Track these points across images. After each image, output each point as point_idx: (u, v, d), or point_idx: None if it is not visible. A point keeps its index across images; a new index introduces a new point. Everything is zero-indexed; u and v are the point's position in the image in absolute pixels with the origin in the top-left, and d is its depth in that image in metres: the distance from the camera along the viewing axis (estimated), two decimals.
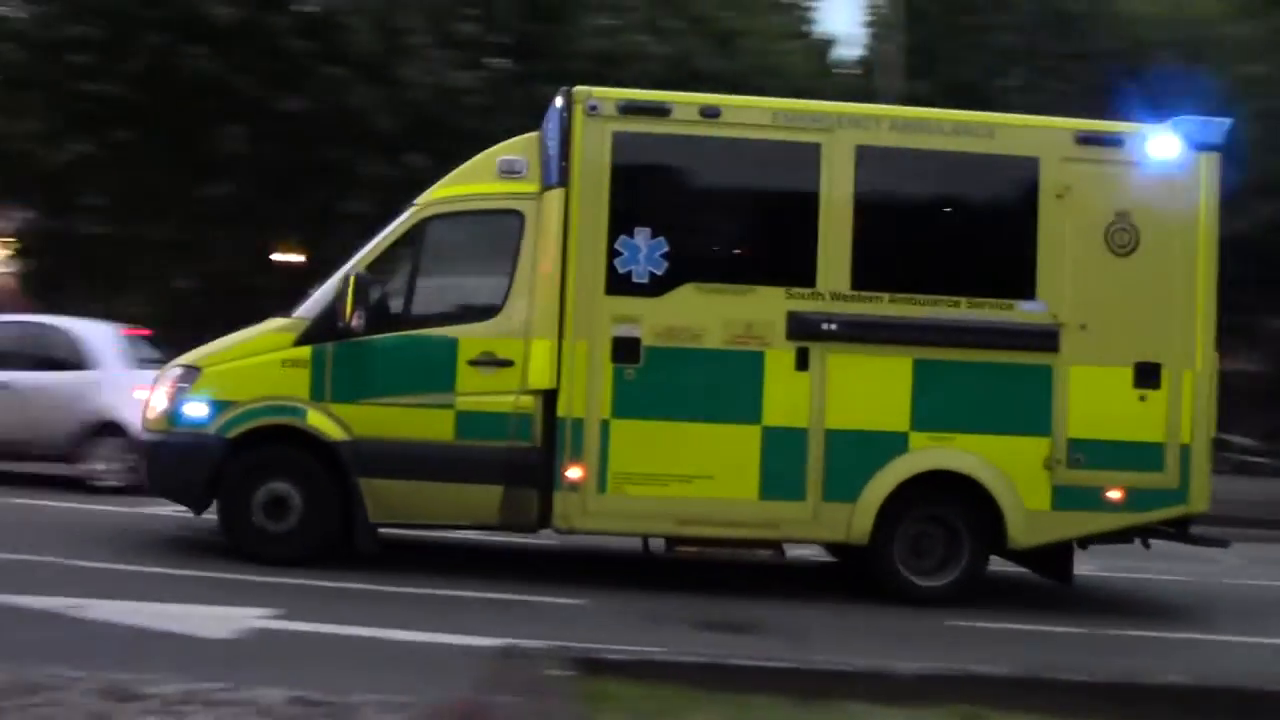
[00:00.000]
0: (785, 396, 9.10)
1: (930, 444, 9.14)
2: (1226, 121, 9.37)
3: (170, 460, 9.25)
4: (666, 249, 9.14)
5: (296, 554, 8.97)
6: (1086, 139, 9.40)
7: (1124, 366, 9.15)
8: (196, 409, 9.14)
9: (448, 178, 9.61)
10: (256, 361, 9.21)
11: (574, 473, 9.00)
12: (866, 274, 9.17)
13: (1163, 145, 9.29)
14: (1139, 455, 9.13)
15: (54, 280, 24.29)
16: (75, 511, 11.34)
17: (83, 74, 20.55)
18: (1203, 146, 9.24)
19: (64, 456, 13.27)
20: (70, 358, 13.54)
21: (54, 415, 13.12)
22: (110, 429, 12.98)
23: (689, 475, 9.07)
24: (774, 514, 9.13)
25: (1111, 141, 9.41)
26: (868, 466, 9.11)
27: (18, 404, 13.14)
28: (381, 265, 9.40)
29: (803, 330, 9.10)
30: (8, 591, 7.03)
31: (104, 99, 20.48)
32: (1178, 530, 9.40)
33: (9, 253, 27.03)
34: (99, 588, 7.52)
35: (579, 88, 9.28)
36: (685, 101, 9.49)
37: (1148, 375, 9.15)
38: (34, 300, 24.61)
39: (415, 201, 9.57)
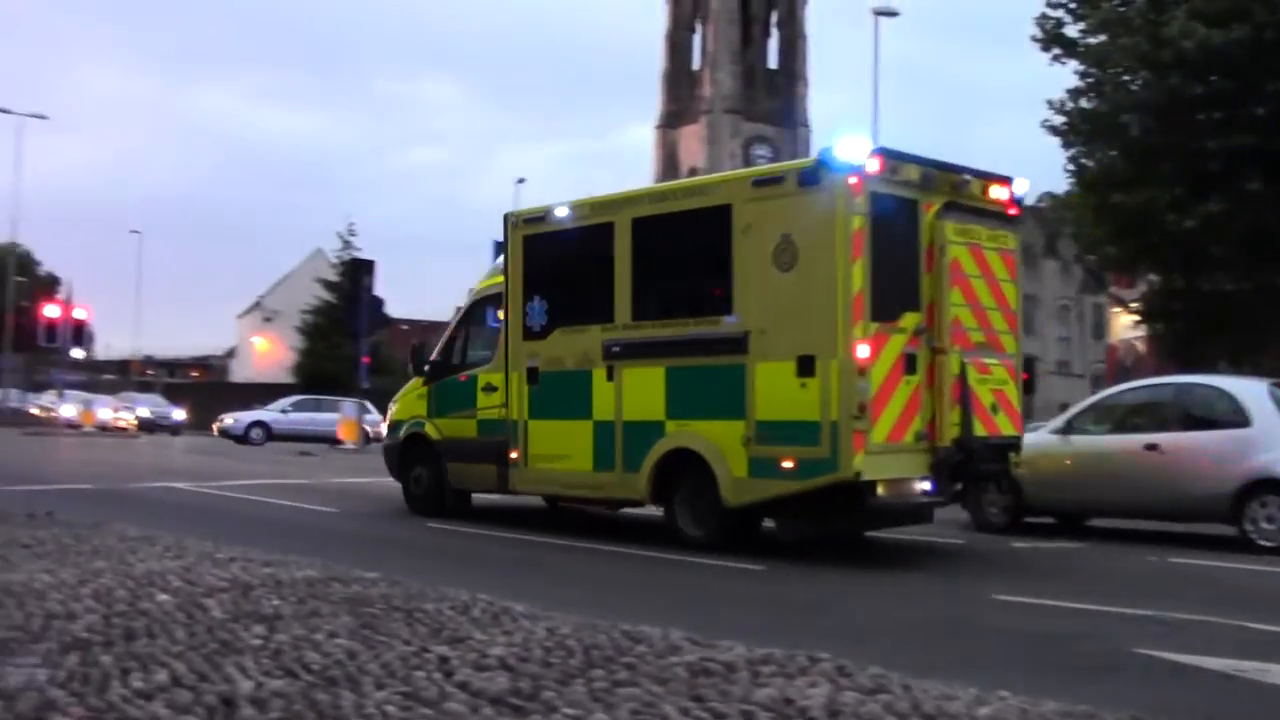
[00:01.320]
0: (602, 399, 13.68)
1: (676, 429, 12.98)
2: (865, 143, 11.68)
3: (388, 457, 17.19)
4: (547, 307, 14.50)
5: (428, 510, 15.96)
6: (758, 182, 12.64)
7: (789, 360, 11.95)
8: (393, 425, 17.08)
9: (486, 273, 17.00)
10: (412, 395, 16.71)
11: (514, 455, 14.69)
12: (638, 309, 13.48)
13: (809, 173, 12.07)
14: (802, 431, 11.81)
15: (1186, 339, 26.33)
16: (1241, 572, 12.00)
17: (1209, 131, 22.32)
18: (842, 169, 11.60)
19: (1223, 515, 14.07)
20: (1227, 416, 14.48)
21: (1211, 474, 14.07)
22: (1269, 486, 13.73)
23: (562, 455, 14.14)
24: (601, 480, 13.74)
25: (775, 179, 12.51)
26: (644, 447, 13.20)
27: (1170, 464, 14.40)
28: (451, 334, 16.47)
29: (608, 353, 13.66)
30: (1187, 652, 7.44)
31: (1231, 153, 22.18)
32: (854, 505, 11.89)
33: (1138, 318, 29.65)
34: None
35: (508, 210, 15.45)
36: (554, 207, 14.63)
37: (806, 366, 11.82)
38: (1165, 361, 27.26)
39: (470, 289, 16.86)
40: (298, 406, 46.85)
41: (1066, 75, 28.82)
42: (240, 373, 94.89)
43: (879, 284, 11.73)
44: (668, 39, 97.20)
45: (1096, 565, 12.64)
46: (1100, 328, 76.72)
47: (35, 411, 57.15)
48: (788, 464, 11.92)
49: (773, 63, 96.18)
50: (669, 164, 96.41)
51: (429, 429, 16.10)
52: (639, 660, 5.63)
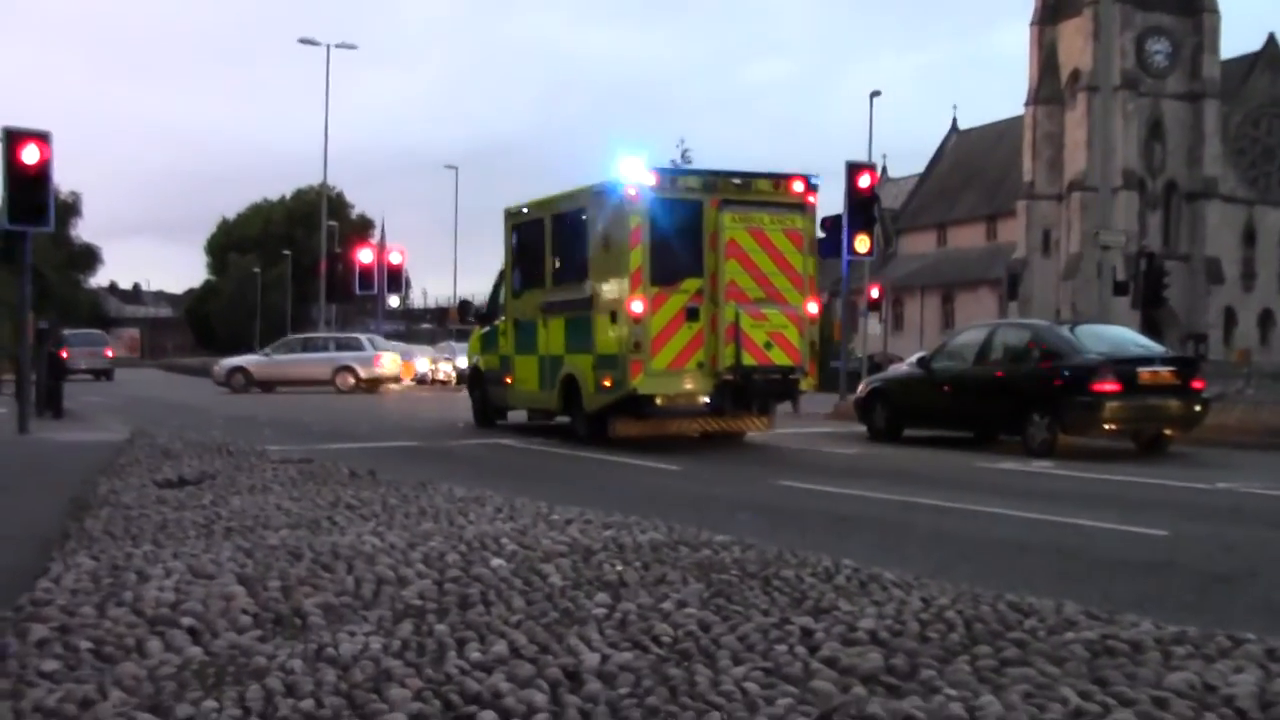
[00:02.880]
0: (541, 340, 22.35)
1: (568, 360, 21.49)
2: (641, 164, 20.08)
3: (467, 384, 27.48)
4: (521, 275, 23.56)
5: (479, 422, 25.46)
6: (596, 191, 20.89)
7: (607, 314, 20.35)
8: (469, 360, 27.80)
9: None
10: (476, 337, 26.37)
11: (508, 380, 23.68)
12: (555, 278, 22.23)
13: (611, 188, 20.33)
14: (612, 361, 20.18)
15: None
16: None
17: None
18: (625, 185, 19.88)
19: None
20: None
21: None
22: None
23: (527, 379, 23.01)
24: (543, 399, 22.48)
25: (602, 191, 20.66)
26: (556, 373, 21.82)
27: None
28: (492, 292, 26.07)
29: (542, 308, 22.29)
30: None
31: None
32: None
33: None
34: None
35: (506, 206, 24.50)
36: (524, 205, 23.74)
37: (614, 317, 20.18)
38: None
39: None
40: (279, 349, 48.77)
41: None
42: None
43: (660, 261, 19.95)
44: None
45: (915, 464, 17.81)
46: None
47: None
48: (607, 383, 20.42)
49: None
50: (1047, 66, 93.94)
51: (481, 362, 25.65)
52: (1029, 636, 5.51)
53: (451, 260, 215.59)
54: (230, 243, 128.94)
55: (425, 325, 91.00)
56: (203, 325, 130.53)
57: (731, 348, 19.93)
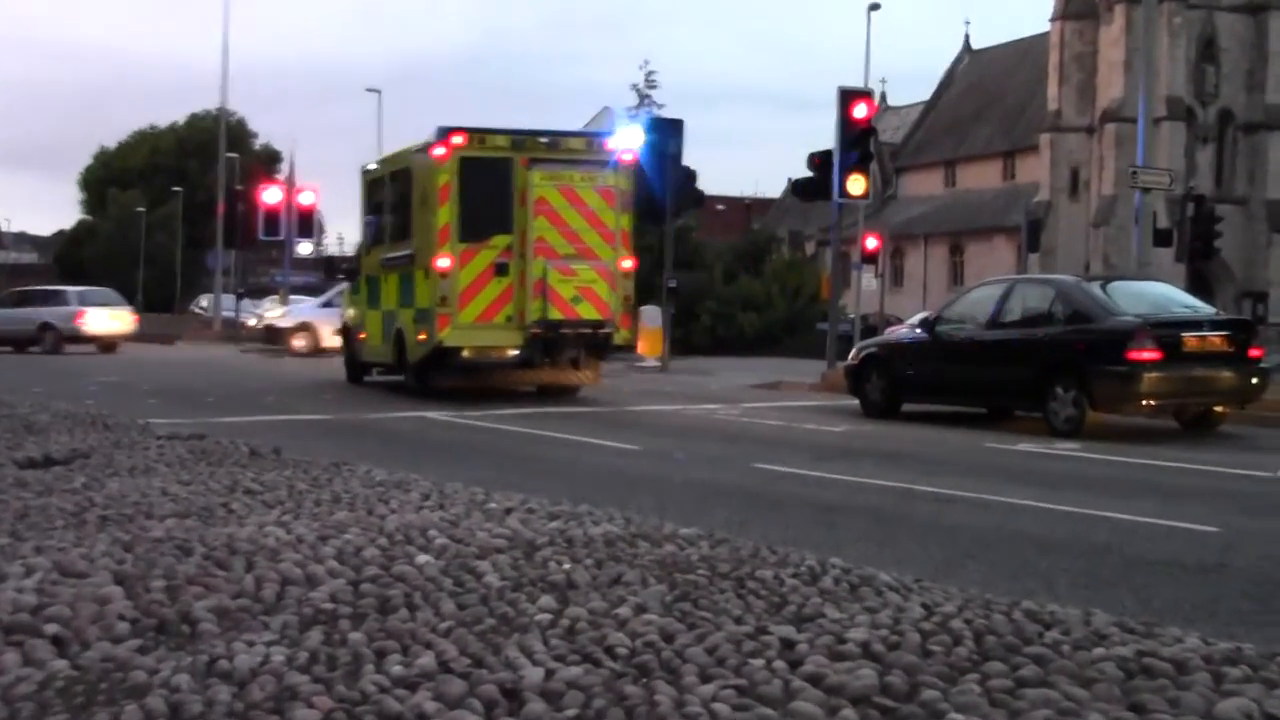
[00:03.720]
0: (384, 296, 26.93)
1: (400, 314, 25.71)
2: (451, 127, 24.03)
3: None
4: (369, 232, 29.25)
5: (351, 380, 29.63)
6: (417, 151, 25.29)
7: (423, 269, 24.36)
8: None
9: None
10: (346, 294, 32.43)
11: (361, 335, 28.97)
12: (392, 236, 26.94)
13: (426, 146, 24.61)
14: (426, 315, 24.26)
15: None
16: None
17: None
18: (434, 145, 24.07)
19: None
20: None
21: None
22: None
23: (374, 335, 27.71)
24: (383, 352, 26.88)
25: (422, 150, 24.89)
26: (391, 327, 26.29)
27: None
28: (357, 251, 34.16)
29: (383, 266, 27.02)
30: None
31: None
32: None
33: None
34: None
35: (362, 165, 31.11)
36: (367, 164, 30.41)
37: (427, 273, 24.17)
38: None
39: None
40: None
41: None
42: None
43: (469, 217, 23.69)
44: None
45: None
46: None
47: (253, 323, 59.61)
48: (422, 337, 24.50)
49: None
50: None
51: (348, 318, 30.68)
52: (1051, 652, 5.52)
53: None
54: (110, 176, 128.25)
55: (342, 278, 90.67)
56: (75, 273, 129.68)
57: (539, 302, 23.73)
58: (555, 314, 23.65)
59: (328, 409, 22.63)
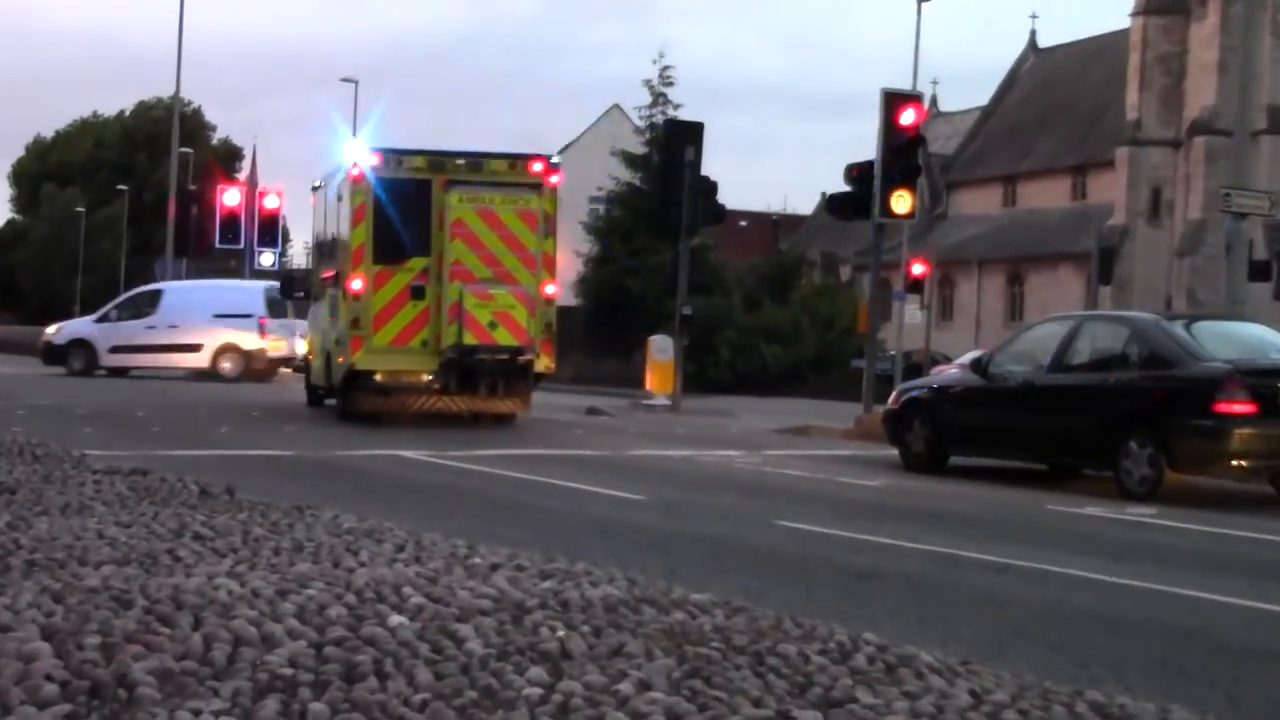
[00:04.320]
0: (322, 316, 30.67)
1: (329, 335, 28.70)
2: (363, 146, 27.75)
3: None
4: (315, 250, 36.39)
5: (310, 403, 32.11)
6: (337, 171, 28.40)
7: (341, 290, 27.22)
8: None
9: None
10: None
11: (310, 356, 33.95)
12: (326, 255, 31.02)
13: (344, 169, 27.58)
14: (341, 338, 27.14)
15: None
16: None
17: None
18: (349, 166, 26.95)
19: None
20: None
21: None
22: None
23: (316, 355, 31.50)
24: (321, 374, 29.92)
25: (340, 169, 28.07)
26: (324, 348, 29.62)
27: None
28: None
29: (320, 285, 31.56)
30: None
31: None
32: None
33: None
34: None
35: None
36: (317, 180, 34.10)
37: (344, 294, 26.87)
38: None
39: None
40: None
41: None
42: None
43: (384, 240, 26.18)
44: None
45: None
46: None
47: None
48: (340, 359, 26.95)
49: None
50: None
51: (307, 340, 35.05)
52: None
53: None
54: (45, 170, 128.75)
55: (302, 296, 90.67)
56: (2, 281, 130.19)
57: (454, 327, 26.03)
58: (470, 339, 26.01)
59: (290, 443, 22.64)
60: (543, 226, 26.92)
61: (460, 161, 27.15)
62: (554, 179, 27.34)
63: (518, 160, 27.49)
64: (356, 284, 26.32)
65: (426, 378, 26.97)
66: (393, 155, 27.06)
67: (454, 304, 25.93)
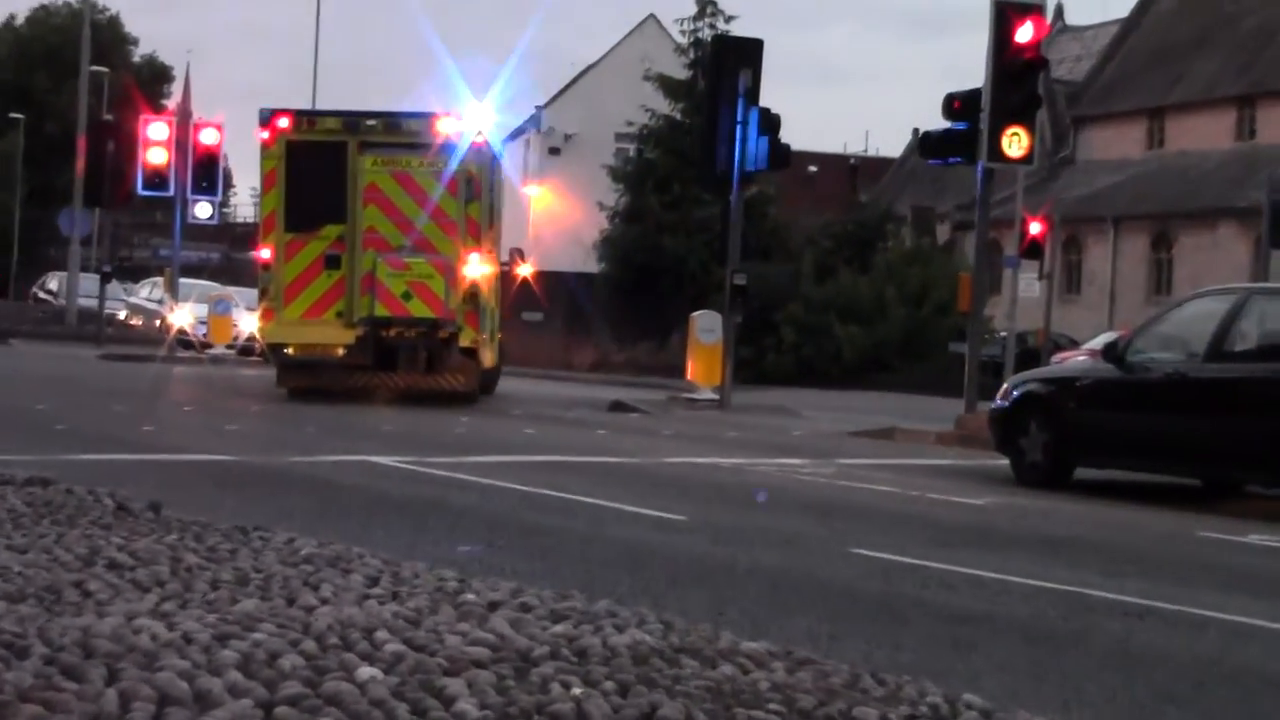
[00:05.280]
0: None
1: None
2: (273, 109, 32.14)
3: None
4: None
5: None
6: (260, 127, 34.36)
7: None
8: None
9: None
10: None
11: None
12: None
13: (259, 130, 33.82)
14: (261, 309, 35.00)
15: None
16: None
17: None
18: (263, 127, 32.13)
19: None
20: None
21: None
22: None
23: None
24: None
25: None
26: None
27: None
28: None
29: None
30: None
31: None
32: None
33: None
34: None
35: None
36: None
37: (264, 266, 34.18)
38: None
39: None
40: None
41: None
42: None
43: (297, 206, 30.20)
44: None
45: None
46: None
47: (124, 316, 59.53)
48: (259, 333, 34.29)
49: None
50: None
51: None
52: None
53: None
54: None
55: (253, 254, 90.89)
56: None
57: (368, 298, 30.26)
58: (382, 311, 30.28)
59: (234, 446, 22.62)
60: (464, 190, 30.89)
61: (373, 122, 31.43)
62: (478, 138, 31.48)
63: (436, 119, 31.42)
64: (265, 253, 30.90)
65: (341, 352, 30.99)
66: (304, 116, 31.77)
67: (366, 274, 30.03)
